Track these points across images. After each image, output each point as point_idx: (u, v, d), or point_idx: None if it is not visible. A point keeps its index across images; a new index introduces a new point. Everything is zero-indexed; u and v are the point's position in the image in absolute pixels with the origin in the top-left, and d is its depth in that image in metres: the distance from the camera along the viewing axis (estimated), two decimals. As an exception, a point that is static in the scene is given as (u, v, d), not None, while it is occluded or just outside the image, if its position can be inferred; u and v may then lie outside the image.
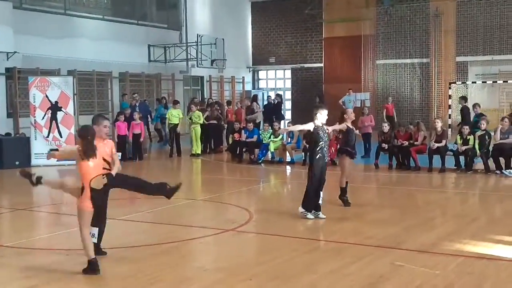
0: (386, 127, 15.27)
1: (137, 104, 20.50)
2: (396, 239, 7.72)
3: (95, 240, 6.71)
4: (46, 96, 16.67)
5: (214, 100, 23.56)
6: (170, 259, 6.86)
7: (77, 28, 23.03)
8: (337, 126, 10.08)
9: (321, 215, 9.01)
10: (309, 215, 8.98)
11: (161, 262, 6.75)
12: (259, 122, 21.84)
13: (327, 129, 9.14)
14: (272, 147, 16.63)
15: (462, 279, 5.96)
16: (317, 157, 8.91)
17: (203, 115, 19.06)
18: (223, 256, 7.23)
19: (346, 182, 10.01)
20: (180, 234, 8.07)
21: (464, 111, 20.41)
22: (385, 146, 14.89)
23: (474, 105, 16.72)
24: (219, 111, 20.88)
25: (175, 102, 19.68)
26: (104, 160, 6.56)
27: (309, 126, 9.04)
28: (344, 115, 10.10)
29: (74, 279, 6.13)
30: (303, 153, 16.00)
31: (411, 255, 6.93)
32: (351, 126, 10.05)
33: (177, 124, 18.63)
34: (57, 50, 21.63)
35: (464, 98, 21.56)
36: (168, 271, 6.42)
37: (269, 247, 7.51)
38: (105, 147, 6.67)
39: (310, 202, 9.01)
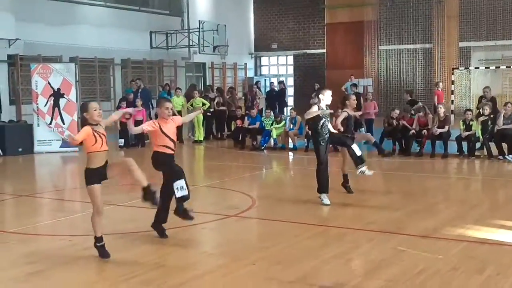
0: (396, 112, 15.31)
1: (139, 91, 20.49)
2: (398, 224, 7.73)
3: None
4: (49, 83, 16.66)
5: (228, 87, 23.45)
6: (173, 244, 6.89)
7: (79, 15, 22.98)
8: (339, 119, 9.67)
9: (367, 171, 8.88)
10: (325, 200, 8.88)
11: (165, 247, 6.78)
12: (261, 108, 21.81)
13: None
14: (274, 133, 16.64)
15: (465, 263, 5.97)
16: (320, 140, 8.83)
17: (209, 101, 19.16)
18: (226, 242, 7.25)
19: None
20: (183, 219, 8.08)
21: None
22: (389, 128, 14.96)
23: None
24: (230, 98, 20.76)
25: (178, 90, 19.68)
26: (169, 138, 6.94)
27: (315, 110, 8.82)
28: (346, 102, 9.86)
29: (78, 264, 6.16)
30: (305, 140, 16.01)
31: (414, 240, 6.94)
32: (351, 113, 9.85)
33: (180, 111, 18.64)
34: (59, 37, 21.60)
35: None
36: (172, 256, 6.46)
37: (272, 233, 7.53)
38: (173, 125, 7.06)
39: (323, 185, 8.93)
